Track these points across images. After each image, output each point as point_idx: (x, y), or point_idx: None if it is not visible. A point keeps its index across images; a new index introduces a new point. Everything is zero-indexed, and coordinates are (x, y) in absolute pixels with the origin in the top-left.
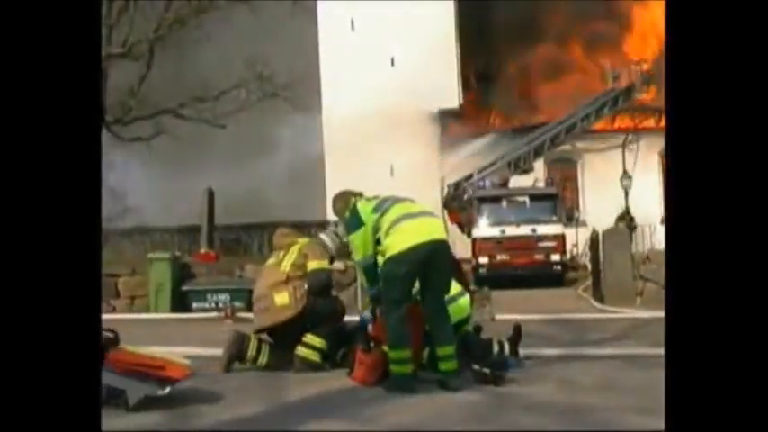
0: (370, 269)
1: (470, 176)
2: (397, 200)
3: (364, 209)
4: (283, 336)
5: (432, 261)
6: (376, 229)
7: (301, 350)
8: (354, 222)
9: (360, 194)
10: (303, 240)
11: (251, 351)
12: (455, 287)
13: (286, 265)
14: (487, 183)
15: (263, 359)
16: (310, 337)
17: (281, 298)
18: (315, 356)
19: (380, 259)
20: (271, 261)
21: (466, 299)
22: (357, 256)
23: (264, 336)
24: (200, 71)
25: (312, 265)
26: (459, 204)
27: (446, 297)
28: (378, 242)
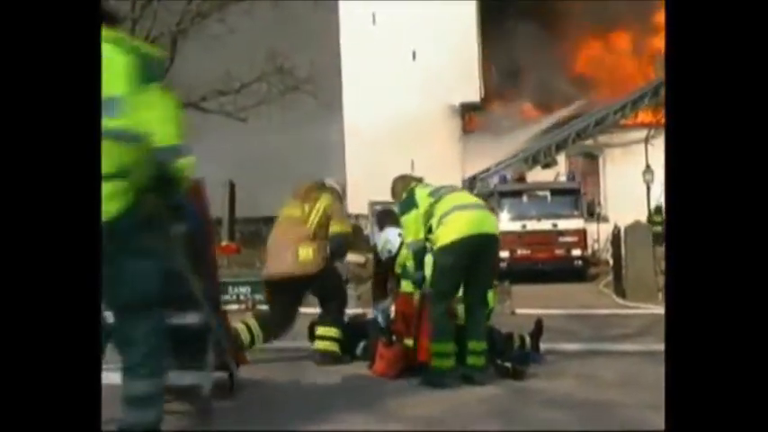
0: (420, 252)
1: (487, 170)
2: (453, 189)
3: (421, 192)
4: (286, 293)
5: (480, 254)
6: (429, 214)
7: (319, 344)
8: (409, 203)
9: (420, 180)
10: (326, 197)
11: (245, 340)
12: None
13: (313, 222)
14: (500, 177)
15: (258, 341)
16: (323, 329)
17: (306, 253)
18: (334, 347)
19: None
20: (294, 212)
21: (490, 293)
22: (408, 237)
23: (249, 319)
24: (223, 64)
25: (335, 227)
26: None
27: None
28: (429, 230)
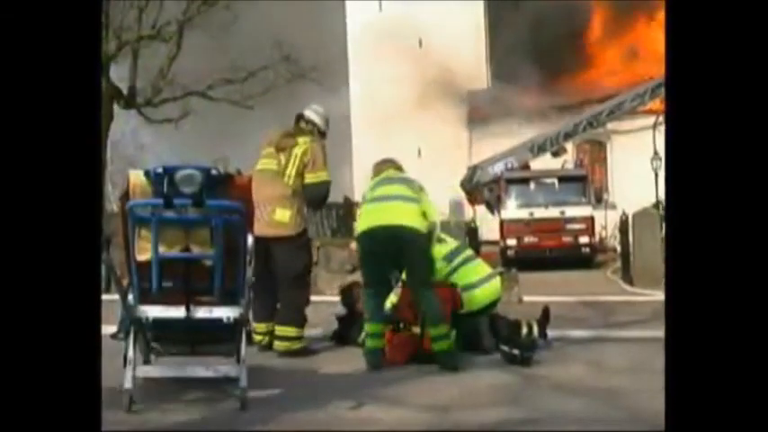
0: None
1: (491, 159)
2: (387, 181)
3: (368, 185)
4: (259, 256)
5: (391, 245)
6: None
7: (279, 344)
8: (363, 195)
9: (389, 167)
10: (303, 141)
11: None
12: (486, 269)
13: (291, 175)
14: (506, 164)
15: None
16: (280, 329)
17: (282, 215)
18: (295, 345)
19: None
20: (269, 164)
21: (497, 281)
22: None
23: None
24: (229, 53)
25: (310, 178)
26: (470, 186)
27: (476, 280)
28: None
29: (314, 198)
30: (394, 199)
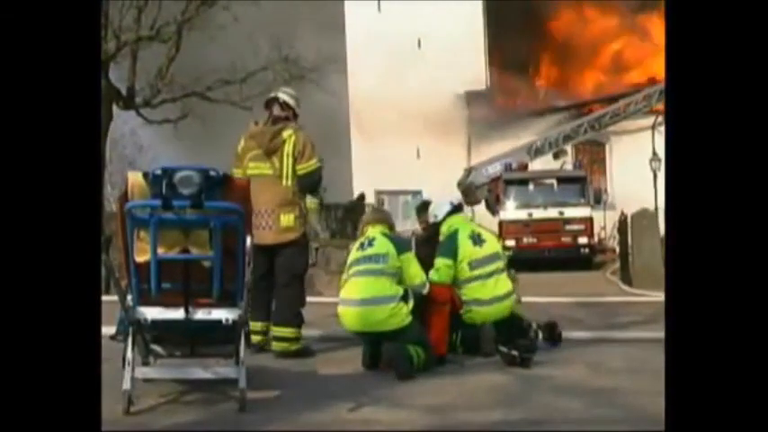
0: None
1: (488, 161)
2: (371, 260)
3: (352, 255)
4: (260, 263)
5: (377, 336)
6: None
7: (277, 345)
8: None
9: (376, 224)
10: (288, 136)
11: None
12: (506, 285)
13: (288, 176)
14: (505, 165)
15: None
16: (277, 329)
17: (287, 220)
18: (293, 346)
19: None
20: (264, 169)
21: (510, 300)
22: None
23: None
24: (228, 54)
25: (301, 169)
26: (465, 188)
27: (489, 297)
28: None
29: (308, 186)
30: (371, 303)
